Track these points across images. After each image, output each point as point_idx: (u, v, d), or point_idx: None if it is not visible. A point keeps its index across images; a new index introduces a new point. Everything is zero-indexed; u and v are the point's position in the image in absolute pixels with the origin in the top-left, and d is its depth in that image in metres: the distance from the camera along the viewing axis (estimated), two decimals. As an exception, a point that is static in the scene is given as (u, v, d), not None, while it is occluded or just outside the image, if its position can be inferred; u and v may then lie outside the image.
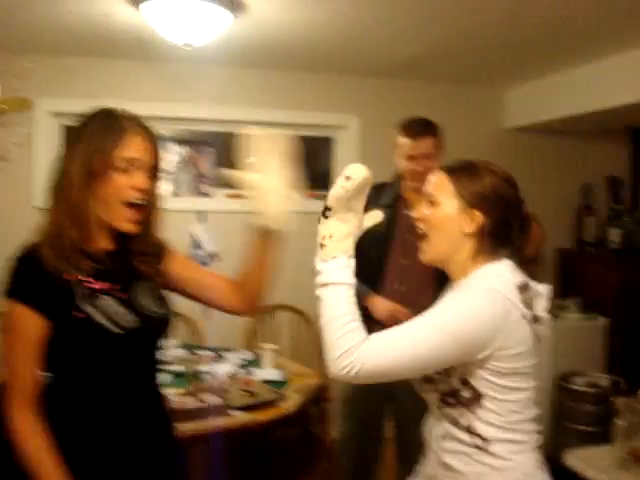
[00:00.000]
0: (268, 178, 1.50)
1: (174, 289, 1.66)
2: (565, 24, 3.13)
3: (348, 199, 1.39)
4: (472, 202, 1.47)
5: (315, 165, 4.69)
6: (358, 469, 2.78)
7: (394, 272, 2.63)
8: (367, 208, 1.46)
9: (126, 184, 1.44)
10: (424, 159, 2.58)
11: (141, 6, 2.91)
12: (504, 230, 1.49)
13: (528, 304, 1.43)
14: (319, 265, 1.39)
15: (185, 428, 2.21)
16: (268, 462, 3.59)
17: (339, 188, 1.39)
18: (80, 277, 1.43)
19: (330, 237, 1.39)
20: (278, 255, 1.58)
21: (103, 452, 1.47)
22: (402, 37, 3.43)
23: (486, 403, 1.42)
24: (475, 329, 1.36)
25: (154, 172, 1.50)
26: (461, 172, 1.52)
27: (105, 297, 1.45)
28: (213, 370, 2.98)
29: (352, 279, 1.38)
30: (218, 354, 3.41)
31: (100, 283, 1.46)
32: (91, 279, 1.45)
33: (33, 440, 1.40)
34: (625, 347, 4.26)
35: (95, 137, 1.43)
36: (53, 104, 3.98)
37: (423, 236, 1.53)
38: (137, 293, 1.52)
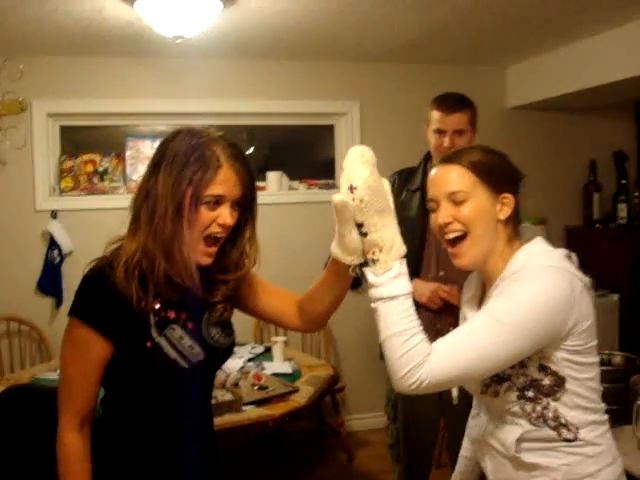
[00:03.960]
0: (358, 208, 1.24)
1: (245, 311, 1.60)
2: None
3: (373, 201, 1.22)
4: (497, 185, 1.42)
5: (317, 154, 4.66)
6: (409, 474, 2.68)
7: (432, 258, 2.51)
8: (398, 194, 1.25)
9: (211, 218, 1.36)
10: (454, 135, 2.44)
11: (135, 3, 2.88)
12: (519, 206, 1.46)
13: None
14: (372, 278, 1.27)
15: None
16: (283, 455, 3.57)
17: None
18: (155, 306, 1.38)
19: (380, 250, 1.26)
20: (347, 284, 1.41)
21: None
22: (399, 20, 3.38)
23: (569, 386, 1.36)
24: (550, 313, 1.30)
25: (242, 203, 1.41)
26: (468, 157, 1.44)
27: (175, 327, 1.40)
28: (223, 365, 2.95)
29: (408, 287, 1.27)
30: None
31: (172, 312, 1.41)
32: (165, 308, 1.40)
33: (74, 466, 1.37)
34: (637, 323, 4.21)
35: (189, 168, 1.32)
36: (49, 105, 3.94)
37: (460, 238, 1.43)
38: (205, 322, 1.47)
